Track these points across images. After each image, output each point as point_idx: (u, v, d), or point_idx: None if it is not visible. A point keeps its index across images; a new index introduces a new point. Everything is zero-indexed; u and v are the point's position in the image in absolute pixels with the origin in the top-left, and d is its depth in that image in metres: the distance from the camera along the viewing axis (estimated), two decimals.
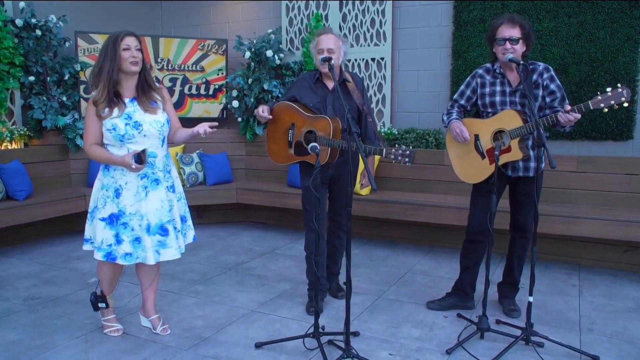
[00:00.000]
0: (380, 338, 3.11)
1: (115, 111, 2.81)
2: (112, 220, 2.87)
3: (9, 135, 5.15)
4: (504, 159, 3.13)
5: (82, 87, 5.72)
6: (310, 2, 5.96)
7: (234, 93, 6.01)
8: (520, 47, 3.10)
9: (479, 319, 3.04)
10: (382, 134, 5.39)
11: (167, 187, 2.98)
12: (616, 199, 4.42)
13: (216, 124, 2.98)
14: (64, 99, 5.50)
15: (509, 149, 3.11)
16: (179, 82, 6.13)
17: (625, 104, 2.84)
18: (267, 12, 6.32)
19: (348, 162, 2.76)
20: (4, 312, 3.48)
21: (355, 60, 5.76)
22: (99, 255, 2.87)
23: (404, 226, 5.26)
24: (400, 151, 2.98)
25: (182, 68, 6.12)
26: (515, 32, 3.07)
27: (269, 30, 6.05)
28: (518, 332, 3.00)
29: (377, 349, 2.97)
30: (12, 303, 3.63)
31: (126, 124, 2.82)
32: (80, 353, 2.90)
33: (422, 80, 5.52)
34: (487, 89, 3.27)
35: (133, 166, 2.76)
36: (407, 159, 2.99)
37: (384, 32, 5.60)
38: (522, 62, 2.99)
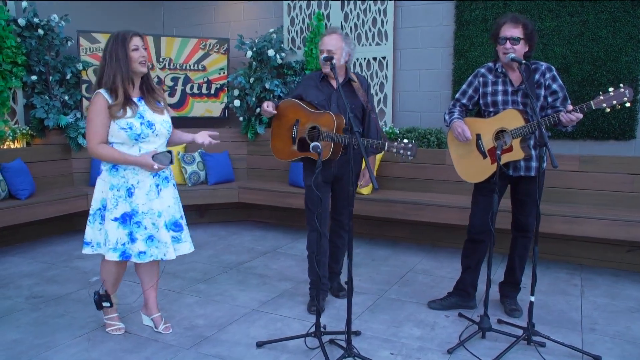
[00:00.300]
0: (382, 337, 3.11)
1: (129, 111, 2.83)
2: (125, 219, 2.88)
3: (11, 134, 5.16)
4: (505, 158, 3.12)
5: (84, 86, 5.72)
6: (312, 1, 5.96)
7: (236, 92, 6.01)
8: (521, 48, 3.09)
9: (480, 319, 3.04)
10: (384, 132, 5.38)
11: (172, 184, 3.08)
12: (618, 199, 4.41)
13: (217, 133, 3.05)
14: (66, 98, 5.50)
15: (510, 149, 3.11)
16: (180, 82, 6.13)
17: (628, 104, 2.83)
18: (268, 12, 6.32)
19: (350, 161, 2.76)
20: (7, 310, 3.49)
21: (357, 59, 5.75)
22: (114, 256, 2.87)
23: (405, 226, 5.26)
24: (402, 144, 3.00)
25: (183, 67, 6.12)
26: (517, 32, 3.07)
27: (271, 30, 6.05)
28: (520, 332, 3.00)
29: (379, 348, 2.97)
30: (15, 301, 3.64)
31: (141, 124, 2.85)
32: (82, 352, 2.91)
33: (423, 79, 5.51)
34: (489, 88, 3.27)
35: (155, 166, 2.81)
36: (409, 152, 3.00)
37: (385, 32, 5.60)
38: (524, 61, 2.98)
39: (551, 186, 4.49)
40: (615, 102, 2.84)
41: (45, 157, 5.40)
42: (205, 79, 6.21)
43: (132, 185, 2.89)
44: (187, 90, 6.17)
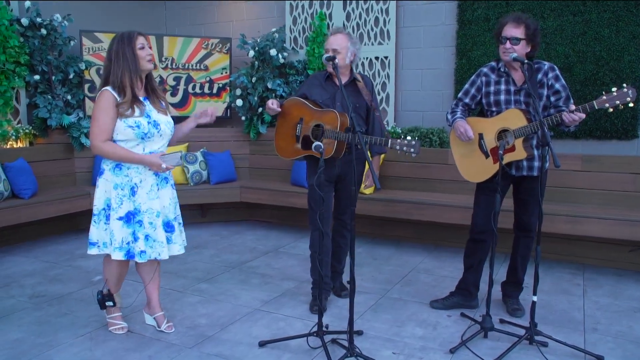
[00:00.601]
0: (384, 337, 3.11)
1: (137, 110, 2.85)
2: (129, 218, 2.89)
3: (14, 134, 5.17)
4: (508, 158, 3.12)
5: (86, 85, 5.73)
6: (314, 1, 5.96)
7: (238, 92, 6.02)
8: (521, 48, 3.08)
9: (482, 319, 3.04)
10: (388, 132, 5.38)
11: (171, 184, 3.08)
12: (621, 198, 4.41)
13: (212, 109, 3.13)
14: (69, 97, 5.52)
15: (513, 148, 3.10)
16: (183, 81, 6.14)
17: (631, 104, 2.83)
18: (270, 11, 6.32)
19: (353, 161, 2.77)
20: (10, 309, 3.50)
21: (359, 59, 5.73)
22: (119, 255, 2.88)
23: (408, 225, 5.26)
24: (405, 142, 3.01)
25: (186, 67, 6.13)
26: (518, 32, 3.06)
27: (273, 29, 6.05)
28: (522, 332, 3.00)
29: (381, 347, 2.97)
30: (18, 300, 3.65)
31: (148, 123, 2.87)
32: (84, 351, 2.91)
33: (426, 79, 5.51)
34: (492, 88, 3.27)
35: (163, 166, 2.83)
36: (412, 150, 3.01)
37: (387, 31, 5.60)
38: (526, 61, 2.98)
39: (554, 186, 4.48)
40: (618, 102, 2.83)
41: (48, 157, 5.41)
42: (208, 79, 6.22)
43: (136, 184, 2.90)
44: (190, 89, 6.18)
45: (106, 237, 2.92)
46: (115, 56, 2.82)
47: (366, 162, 3.63)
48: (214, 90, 6.27)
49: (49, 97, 5.38)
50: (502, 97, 3.23)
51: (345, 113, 3.30)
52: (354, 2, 5.75)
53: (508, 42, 3.07)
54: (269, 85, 5.77)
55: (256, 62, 5.90)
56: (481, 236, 3.37)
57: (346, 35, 3.40)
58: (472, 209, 3.48)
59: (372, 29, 5.68)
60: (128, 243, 2.90)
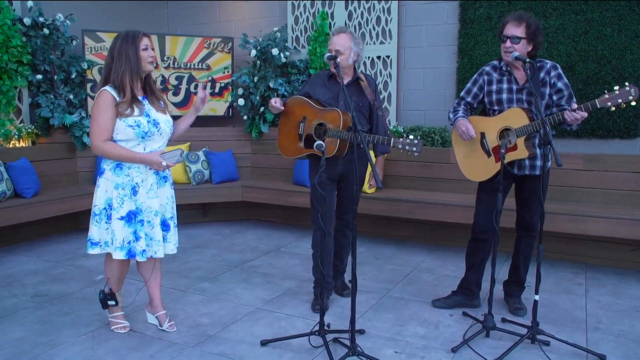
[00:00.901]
0: (386, 336, 3.11)
1: (136, 110, 2.86)
2: (131, 217, 2.90)
3: (16, 133, 5.18)
4: (510, 157, 3.11)
5: (89, 85, 5.74)
6: (316, 0, 5.95)
7: (240, 91, 6.02)
8: (522, 47, 3.07)
9: (484, 318, 3.04)
10: (391, 131, 5.38)
11: (170, 184, 3.10)
12: (623, 198, 4.40)
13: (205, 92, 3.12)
14: (71, 97, 5.52)
15: (515, 147, 3.10)
16: (185, 80, 6.14)
17: (633, 103, 2.82)
18: (272, 11, 6.32)
19: (355, 160, 2.77)
20: (12, 308, 3.50)
21: (362, 58, 5.74)
22: (121, 255, 2.89)
23: (409, 224, 5.26)
24: (407, 141, 3.02)
25: (188, 66, 6.13)
26: (519, 31, 3.06)
27: (275, 29, 6.05)
28: (524, 331, 2.99)
29: (383, 346, 2.97)
30: (20, 300, 3.66)
31: (148, 122, 2.88)
32: (87, 350, 2.92)
33: (427, 78, 5.51)
34: (494, 87, 3.26)
35: (164, 164, 2.83)
36: (414, 149, 3.01)
37: (389, 30, 5.60)
38: (528, 60, 2.97)
39: (556, 185, 4.48)
40: (620, 100, 2.82)
41: (50, 156, 5.42)
42: (210, 78, 6.22)
43: (137, 183, 2.90)
44: (192, 89, 6.18)
45: (107, 236, 2.93)
46: (118, 55, 2.82)
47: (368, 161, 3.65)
48: (216, 90, 6.27)
49: (51, 96, 5.39)
50: (504, 96, 3.22)
51: (348, 112, 3.30)
52: (355, 1, 5.74)
53: (509, 41, 3.07)
54: (271, 85, 5.77)
55: (258, 62, 5.90)
56: (483, 235, 3.37)
57: (349, 35, 3.40)
58: (474, 208, 3.48)
59: (373, 28, 5.68)
60: (129, 242, 2.91)
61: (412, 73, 5.58)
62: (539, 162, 3.21)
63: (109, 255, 3.01)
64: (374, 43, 5.69)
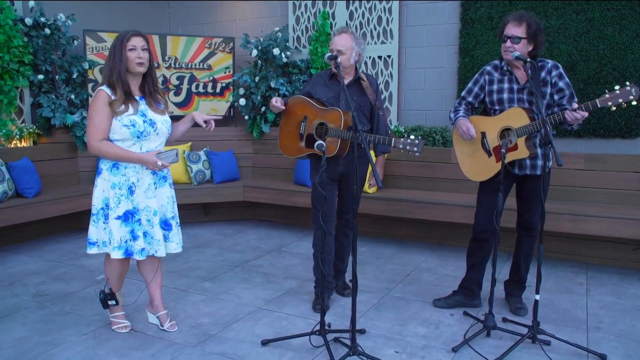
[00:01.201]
0: (387, 336, 3.12)
1: (131, 108, 2.86)
2: (128, 217, 2.91)
3: (18, 133, 5.19)
4: (510, 157, 3.11)
5: (90, 85, 5.75)
6: (317, 0, 5.96)
7: (241, 91, 6.02)
8: (522, 47, 3.07)
9: (485, 317, 3.04)
10: (392, 131, 5.38)
11: (169, 183, 3.10)
12: (624, 197, 4.40)
13: (212, 120, 3.12)
14: (73, 97, 5.53)
15: (515, 147, 3.10)
16: (186, 80, 6.15)
17: (634, 102, 2.82)
18: (273, 11, 6.33)
19: (355, 160, 2.78)
20: (14, 308, 3.51)
21: (364, 57, 5.75)
22: (118, 254, 2.90)
23: (410, 224, 5.26)
24: (408, 140, 3.02)
25: (189, 66, 6.14)
26: (519, 31, 3.06)
27: (276, 29, 6.05)
28: (525, 331, 3.00)
29: (383, 346, 2.97)
30: (22, 299, 3.67)
31: (144, 121, 2.88)
32: (88, 349, 2.92)
33: (429, 78, 5.51)
34: (495, 86, 3.26)
35: (159, 163, 2.82)
36: (415, 149, 3.02)
37: (390, 30, 5.60)
38: (528, 59, 2.97)
39: (557, 184, 4.48)
40: (621, 100, 2.82)
41: (52, 156, 5.43)
42: (211, 78, 6.23)
43: (133, 183, 2.91)
44: (193, 89, 6.19)
45: (105, 236, 2.94)
46: (111, 54, 2.86)
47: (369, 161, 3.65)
48: (217, 90, 6.28)
49: (53, 96, 5.40)
50: (505, 95, 3.22)
51: (349, 112, 3.31)
52: (356, 1, 5.74)
53: (509, 40, 3.07)
54: (272, 85, 5.78)
55: (259, 62, 5.91)
56: (484, 235, 3.37)
57: (350, 35, 3.41)
58: (474, 208, 3.48)
59: (375, 28, 5.68)
60: (126, 242, 2.92)
61: (413, 73, 5.58)
62: (539, 162, 3.20)
63: (108, 255, 3.01)
64: (375, 43, 5.69)
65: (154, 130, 2.92)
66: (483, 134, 3.25)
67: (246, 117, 6.08)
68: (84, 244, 5.02)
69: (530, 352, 2.88)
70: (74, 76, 5.54)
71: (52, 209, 4.88)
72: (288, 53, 5.91)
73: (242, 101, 5.97)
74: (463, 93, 3.44)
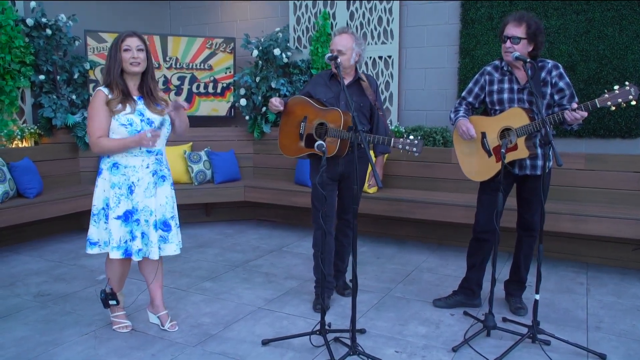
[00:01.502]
0: (387, 335, 3.12)
1: (128, 107, 2.87)
2: (127, 217, 2.92)
3: (19, 133, 5.20)
4: (510, 157, 3.12)
5: (91, 85, 5.76)
6: (318, 0, 5.96)
7: (242, 91, 6.03)
8: (522, 47, 3.07)
9: (485, 317, 3.05)
10: (391, 131, 5.38)
11: (169, 184, 3.10)
12: (625, 197, 4.40)
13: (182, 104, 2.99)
14: (74, 97, 5.54)
15: (515, 147, 3.10)
16: (187, 81, 6.16)
17: (633, 102, 2.82)
18: (274, 11, 6.33)
19: (355, 161, 2.78)
20: (15, 308, 3.52)
21: (364, 58, 5.75)
22: (117, 254, 2.91)
23: (411, 224, 5.26)
24: (407, 141, 3.03)
25: (190, 66, 6.15)
26: (519, 32, 3.06)
27: (277, 29, 6.06)
28: (525, 330, 3.00)
29: (384, 346, 2.98)
30: (23, 299, 3.68)
31: (141, 120, 2.89)
32: (89, 349, 2.93)
33: (429, 78, 5.51)
34: (495, 86, 3.27)
35: (148, 134, 2.76)
36: (414, 149, 3.02)
37: (391, 30, 5.60)
38: (528, 59, 2.97)
39: (557, 184, 4.48)
40: (620, 100, 2.82)
41: (53, 156, 5.44)
42: (212, 78, 6.24)
43: (133, 182, 2.92)
44: (194, 89, 6.20)
45: (106, 236, 2.95)
46: (108, 54, 2.90)
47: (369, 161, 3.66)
48: (218, 90, 6.28)
49: (54, 96, 5.41)
50: (506, 95, 3.23)
51: (349, 112, 3.31)
52: (357, 1, 5.75)
53: (509, 41, 3.08)
54: (273, 85, 5.78)
55: (260, 62, 5.92)
56: (484, 235, 3.38)
57: (351, 36, 3.41)
58: (474, 208, 3.48)
59: (375, 29, 5.69)
60: (126, 242, 2.93)
61: (413, 73, 5.59)
62: (539, 162, 3.21)
63: (108, 254, 3.02)
64: (376, 43, 5.70)
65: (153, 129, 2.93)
66: (483, 134, 3.25)
67: (247, 118, 6.08)
68: (84, 244, 4.99)
69: (530, 351, 2.89)
70: (75, 76, 5.55)
71: (53, 209, 4.89)
72: (289, 53, 5.92)
73: (243, 101, 5.97)
74: (463, 93, 3.45)
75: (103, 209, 2.95)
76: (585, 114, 2.89)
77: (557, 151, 2.73)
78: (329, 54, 3.19)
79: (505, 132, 3.17)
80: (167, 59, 6.05)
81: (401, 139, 3.07)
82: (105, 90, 2.87)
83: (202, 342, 3.03)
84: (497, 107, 3.27)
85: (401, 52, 5.61)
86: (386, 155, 5.10)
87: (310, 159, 3.56)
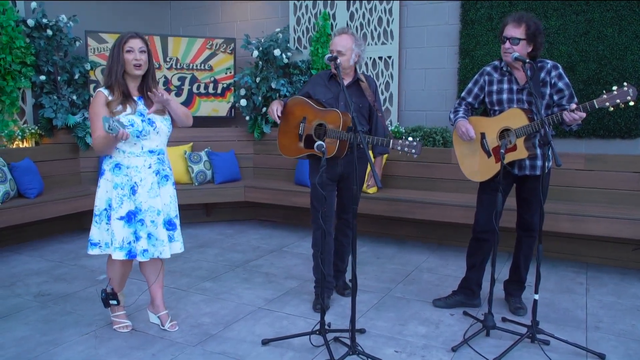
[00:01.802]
0: (387, 335, 3.13)
1: (129, 108, 2.88)
2: (130, 217, 2.92)
3: (20, 133, 5.21)
4: (509, 157, 3.12)
5: (92, 86, 5.77)
6: (318, 1, 5.97)
7: (242, 92, 6.04)
8: (521, 48, 3.08)
9: (484, 317, 3.05)
10: (390, 132, 5.39)
11: (172, 183, 3.11)
12: (624, 197, 4.41)
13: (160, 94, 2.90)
14: (74, 97, 5.55)
15: (514, 148, 3.11)
16: (187, 81, 6.17)
17: (631, 103, 2.82)
18: (274, 11, 6.34)
19: (354, 161, 2.79)
20: (16, 308, 3.53)
21: (363, 59, 5.76)
22: (120, 255, 2.91)
23: (411, 224, 5.27)
24: (407, 142, 3.03)
25: (190, 67, 6.16)
26: (518, 33, 3.06)
27: (277, 29, 6.07)
28: (524, 330, 3.01)
29: (383, 346, 2.99)
30: (24, 299, 3.69)
31: (142, 121, 2.90)
32: (89, 349, 2.94)
33: (429, 78, 5.52)
34: (495, 87, 3.27)
35: (106, 126, 2.62)
36: (413, 150, 3.03)
37: (391, 31, 5.61)
38: (527, 60, 2.98)
39: (557, 185, 4.49)
40: (618, 101, 2.83)
41: (54, 157, 5.44)
42: (212, 79, 6.25)
43: (136, 183, 2.93)
44: (194, 89, 6.21)
45: (108, 237, 2.95)
46: (110, 56, 2.90)
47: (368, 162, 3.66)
48: (218, 90, 6.29)
49: (55, 97, 5.42)
50: (505, 96, 3.23)
51: (348, 113, 3.32)
52: (357, 2, 5.76)
53: (508, 42, 3.08)
54: (273, 85, 5.79)
55: (260, 62, 5.93)
56: (484, 235, 3.38)
57: (350, 36, 3.42)
58: (474, 208, 3.49)
59: (375, 29, 5.70)
60: (129, 243, 2.93)
61: (413, 73, 5.60)
62: (539, 162, 3.21)
63: (111, 255, 3.02)
64: (376, 44, 5.70)
65: (154, 129, 2.94)
66: (482, 135, 3.26)
67: (247, 118, 6.09)
68: (85, 244, 5.01)
69: (529, 351, 2.89)
70: (76, 77, 5.56)
71: (54, 210, 4.90)
72: (289, 54, 5.93)
73: (243, 102, 5.98)
74: (463, 94, 3.45)
75: (105, 209, 2.95)
76: (584, 114, 2.90)
77: (556, 151, 2.73)
78: (329, 55, 3.20)
79: (504, 133, 3.18)
80: (168, 59, 6.06)
81: (400, 141, 3.07)
82: (105, 92, 2.88)
83: (202, 342, 3.04)
84: (496, 108, 3.28)
85: (401, 53, 5.61)
86: (385, 156, 5.11)
87: (309, 159, 3.56)
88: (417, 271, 4.35)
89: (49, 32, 5.30)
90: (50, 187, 5.26)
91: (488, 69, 3.34)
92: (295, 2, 6.12)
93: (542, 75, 3.16)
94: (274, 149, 5.95)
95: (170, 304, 3.56)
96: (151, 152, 2.97)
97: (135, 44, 2.87)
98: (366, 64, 5.76)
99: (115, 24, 6.22)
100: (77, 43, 5.62)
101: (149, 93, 2.93)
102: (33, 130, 5.32)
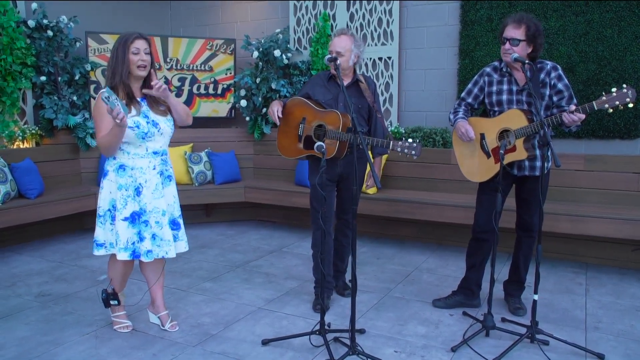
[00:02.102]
0: (386, 335, 3.14)
1: (133, 110, 2.88)
2: (134, 218, 2.93)
3: (21, 134, 5.22)
4: (509, 158, 3.13)
5: (92, 86, 5.78)
6: (318, 1, 5.98)
7: (242, 92, 6.05)
8: (521, 49, 3.09)
9: (484, 317, 3.06)
10: (389, 132, 5.40)
11: (174, 182, 3.13)
12: (624, 198, 4.41)
13: (157, 86, 2.89)
14: (75, 98, 5.56)
15: (514, 149, 3.12)
16: (187, 82, 6.18)
17: (630, 105, 2.83)
18: (275, 12, 6.35)
19: (354, 162, 2.80)
20: (16, 308, 3.54)
21: (363, 59, 5.75)
22: (124, 256, 2.91)
23: (411, 224, 5.28)
24: (407, 144, 3.04)
25: (190, 68, 6.16)
26: (518, 34, 3.07)
27: (277, 30, 6.08)
28: (523, 330, 3.01)
29: (383, 346, 2.99)
30: (24, 299, 3.69)
31: (147, 122, 2.90)
32: (90, 349, 2.95)
33: (429, 79, 5.53)
34: (495, 88, 3.28)
35: (104, 99, 2.62)
36: (413, 152, 3.04)
37: (391, 32, 5.62)
38: (527, 61, 2.99)
39: (557, 185, 4.50)
40: (617, 102, 2.84)
41: (54, 157, 5.45)
42: (212, 79, 6.25)
43: (140, 184, 2.93)
44: (194, 90, 6.21)
45: (112, 237, 2.96)
46: (113, 56, 2.88)
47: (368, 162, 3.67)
48: (219, 91, 6.30)
49: (55, 98, 5.42)
50: (505, 97, 3.24)
51: (348, 113, 3.33)
52: (357, 2, 5.77)
53: (508, 43, 3.09)
54: (273, 86, 5.80)
55: (260, 63, 5.93)
56: (483, 235, 3.39)
57: (350, 37, 3.42)
58: (474, 209, 3.49)
59: (375, 30, 5.70)
60: (133, 243, 2.94)
61: (413, 74, 5.60)
62: (538, 163, 3.22)
63: (113, 255, 3.03)
64: (376, 44, 5.71)
65: (158, 131, 2.94)
66: (482, 136, 3.27)
67: (247, 119, 6.10)
68: (86, 245, 5.08)
69: (529, 351, 2.90)
70: (76, 78, 5.57)
71: (55, 210, 4.91)
72: (289, 54, 5.94)
73: (243, 102, 5.99)
74: (462, 94, 3.46)
75: (109, 210, 2.96)
76: (583, 116, 2.91)
77: (555, 152, 2.74)
78: (329, 56, 3.21)
79: (504, 134, 3.19)
80: (168, 60, 6.07)
81: (399, 142, 3.08)
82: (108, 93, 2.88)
83: (203, 342, 3.04)
84: (496, 108, 3.28)
85: (401, 53, 5.62)
86: (385, 156, 5.13)
87: (309, 160, 3.57)
88: (417, 271, 4.36)
89: (50, 32, 5.30)
90: (50, 188, 5.27)
91: (488, 69, 3.35)
92: (296, 2, 6.13)
93: (542, 76, 3.16)
94: (274, 149, 5.96)
95: (171, 304, 3.57)
96: (155, 153, 2.98)
97: (141, 44, 2.87)
98: (366, 64, 5.77)
99: (116, 24, 6.23)
100: (78, 44, 5.63)
101: (147, 89, 2.92)
102: (34, 131, 5.32)
